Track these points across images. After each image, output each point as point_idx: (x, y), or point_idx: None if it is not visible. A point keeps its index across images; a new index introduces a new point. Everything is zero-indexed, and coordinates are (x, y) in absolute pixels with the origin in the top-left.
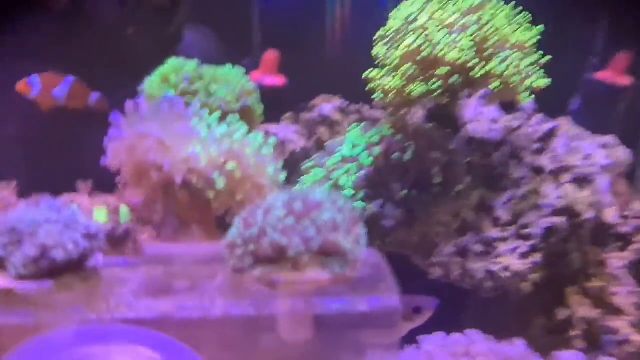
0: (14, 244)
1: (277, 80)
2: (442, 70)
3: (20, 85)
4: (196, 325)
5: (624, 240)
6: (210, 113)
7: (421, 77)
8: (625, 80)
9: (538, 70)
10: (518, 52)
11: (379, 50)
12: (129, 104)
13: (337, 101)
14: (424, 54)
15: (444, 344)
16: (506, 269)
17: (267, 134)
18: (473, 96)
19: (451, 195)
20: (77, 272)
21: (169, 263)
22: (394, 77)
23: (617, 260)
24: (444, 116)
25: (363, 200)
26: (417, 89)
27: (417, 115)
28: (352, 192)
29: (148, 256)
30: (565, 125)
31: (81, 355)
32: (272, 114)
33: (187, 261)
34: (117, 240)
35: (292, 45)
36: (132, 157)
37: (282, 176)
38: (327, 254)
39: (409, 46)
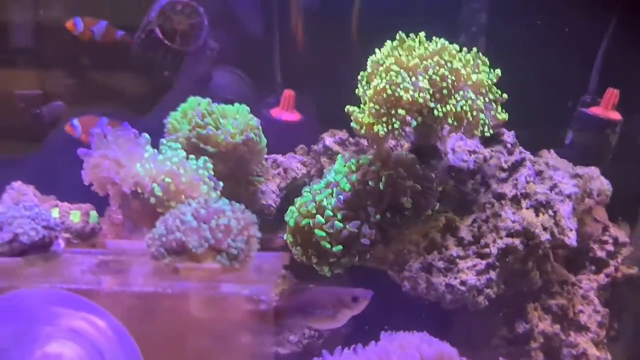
0: None
1: (293, 116)
2: (401, 111)
3: (69, 24)
4: (120, 297)
5: (598, 264)
6: (217, 144)
7: (384, 118)
8: (616, 115)
9: (496, 107)
10: (472, 91)
11: (359, 89)
12: (95, 131)
13: (340, 134)
14: (387, 93)
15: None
16: (463, 283)
17: (274, 162)
18: (455, 131)
19: (421, 218)
20: (42, 254)
21: (118, 254)
22: (366, 114)
23: (587, 281)
24: (426, 148)
25: (341, 220)
26: (379, 129)
27: (403, 147)
28: (332, 213)
29: (107, 249)
30: (546, 157)
31: (39, 313)
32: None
33: (132, 253)
34: (86, 236)
35: (311, 85)
36: (95, 173)
37: (215, 194)
38: (219, 250)
39: (376, 87)
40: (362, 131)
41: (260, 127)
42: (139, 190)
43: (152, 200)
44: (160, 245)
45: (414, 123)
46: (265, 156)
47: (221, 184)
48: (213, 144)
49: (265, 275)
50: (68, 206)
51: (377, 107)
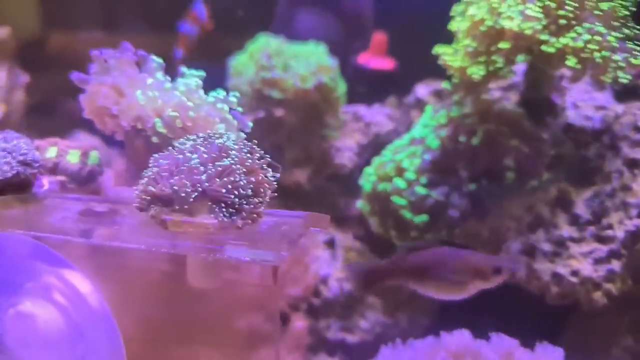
0: None
1: (385, 63)
2: (504, 44)
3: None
4: (97, 252)
5: None
6: (284, 89)
7: (482, 57)
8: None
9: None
10: (602, 24)
11: (454, 24)
12: (95, 54)
13: (437, 85)
14: (486, 25)
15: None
16: (575, 273)
17: (354, 115)
18: (578, 78)
19: (526, 187)
20: (19, 195)
21: (113, 202)
22: (458, 54)
23: None
24: (539, 100)
25: (425, 186)
26: (476, 72)
27: (505, 97)
28: (415, 176)
29: (103, 195)
30: None
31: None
32: (378, 97)
33: (125, 201)
34: (83, 179)
35: (406, 28)
36: (92, 103)
37: (236, 136)
38: (217, 200)
39: (472, 17)
40: (455, 77)
41: (336, 69)
42: (139, 127)
43: (154, 139)
44: (144, 192)
45: (520, 60)
46: (345, 107)
47: (250, 124)
48: (280, 89)
49: (278, 239)
50: (68, 145)
51: (474, 44)
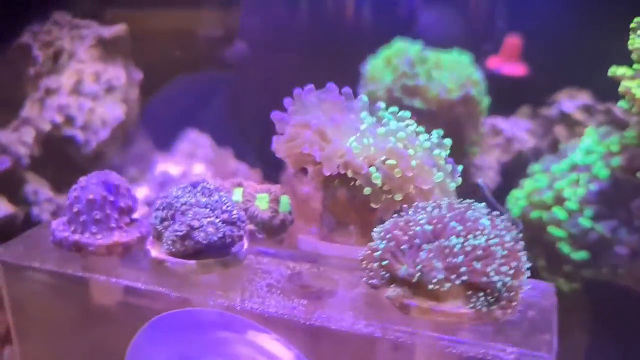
0: (168, 219)
1: (517, 69)
2: None
3: None
4: (320, 333)
5: None
6: (428, 99)
7: None
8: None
9: None
10: None
11: (634, 41)
12: (297, 91)
13: (584, 97)
14: None
15: None
16: None
17: (493, 128)
18: None
19: None
20: (220, 256)
21: (315, 262)
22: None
23: None
24: None
25: (592, 218)
26: None
27: None
28: (578, 206)
29: (300, 251)
30: None
31: (207, 338)
32: (507, 107)
33: (333, 264)
34: (274, 230)
35: (537, 30)
36: (291, 147)
37: (453, 184)
38: (473, 286)
39: None
40: (635, 107)
41: (483, 82)
42: (349, 175)
43: (367, 190)
44: (380, 267)
45: None
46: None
47: (460, 168)
48: (423, 98)
49: (535, 326)
50: (254, 186)
51: None
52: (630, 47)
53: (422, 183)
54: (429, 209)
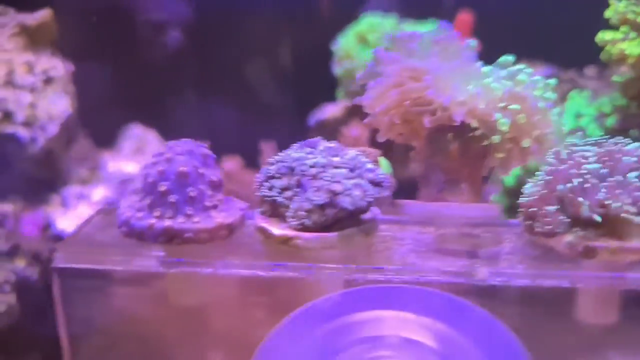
0: (292, 188)
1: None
2: None
3: None
4: (492, 293)
5: None
6: None
7: None
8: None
9: None
10: None
11: (615, 7)
12: (403, 34)
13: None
14: None
15: None
16: None
17: None
18: None
19: None
20: (357, 225)
21: (437, 224)
22: (633, 40)
23: None
24: None
25: None
26: None
27: None
28: None
29: (410, 215)
30: None
31: (351, 323)
32: None
33: (458, 223)
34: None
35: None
36: (404, 94)
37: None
38: None
39: None
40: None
41: None
42: (473, 125)
43: (496, 138)
44: (557, 211)
45: None
46: None
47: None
48: None
49: None
50: (362, 148)
51: None
52: (611, 15)
53: (544, 126)
54: (584, 149)
